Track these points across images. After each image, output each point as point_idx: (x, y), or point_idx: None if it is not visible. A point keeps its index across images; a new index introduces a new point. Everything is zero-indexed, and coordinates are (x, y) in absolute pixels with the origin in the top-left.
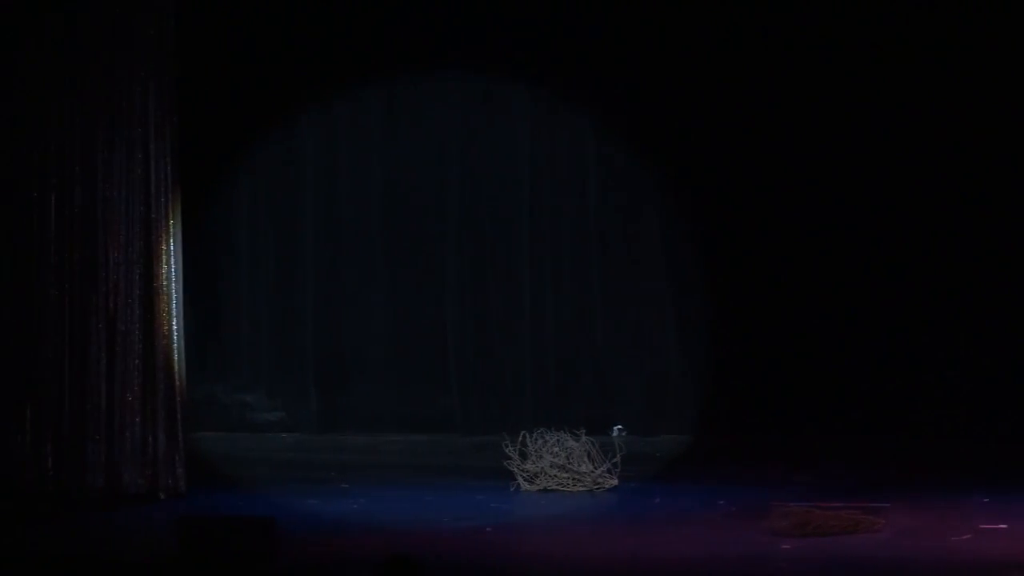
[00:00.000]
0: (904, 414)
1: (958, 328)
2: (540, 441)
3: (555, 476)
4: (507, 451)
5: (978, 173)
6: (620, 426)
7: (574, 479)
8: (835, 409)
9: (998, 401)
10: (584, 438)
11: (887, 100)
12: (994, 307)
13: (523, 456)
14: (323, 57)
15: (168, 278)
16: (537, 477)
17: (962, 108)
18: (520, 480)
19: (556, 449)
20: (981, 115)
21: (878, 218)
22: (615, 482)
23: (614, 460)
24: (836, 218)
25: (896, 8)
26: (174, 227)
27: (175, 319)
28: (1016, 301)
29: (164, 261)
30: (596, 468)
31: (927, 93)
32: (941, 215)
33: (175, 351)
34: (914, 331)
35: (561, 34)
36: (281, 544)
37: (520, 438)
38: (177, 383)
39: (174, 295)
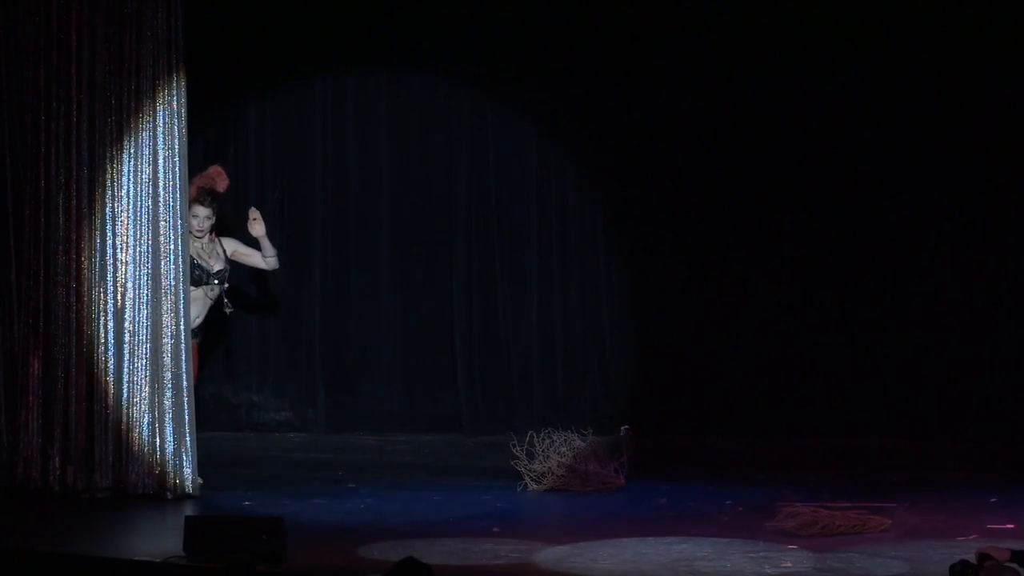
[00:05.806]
0: (910, 414)
1: (965, 326)
2: (547, 441)
3: (562, 476)
4: (514, 451)
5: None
6: (627, 426)
7: (581, 479)
8: (843, 409)
9: (1007, 400)
10: (591, 438)
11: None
12: (999, 305)
13: (530, 456)
14: (333, 60)
15: (176, 278)
16: (544, 477)
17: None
18: (527, 480)
19: (563, 449)
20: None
21: (885, 219)
22: (622, 482)
23: (621, 460)
24: (842, 217)
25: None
26: (182, 227)
27: (182, 319)
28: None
29: (171, 261)
30: (603, 468)
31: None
32: (941, 212)
33: (183, 351)
34: (922, 331)
35: (569, 34)
36: (288, 544)
37: (527, 438)
38: (185, 383)
39: (182, 295)
